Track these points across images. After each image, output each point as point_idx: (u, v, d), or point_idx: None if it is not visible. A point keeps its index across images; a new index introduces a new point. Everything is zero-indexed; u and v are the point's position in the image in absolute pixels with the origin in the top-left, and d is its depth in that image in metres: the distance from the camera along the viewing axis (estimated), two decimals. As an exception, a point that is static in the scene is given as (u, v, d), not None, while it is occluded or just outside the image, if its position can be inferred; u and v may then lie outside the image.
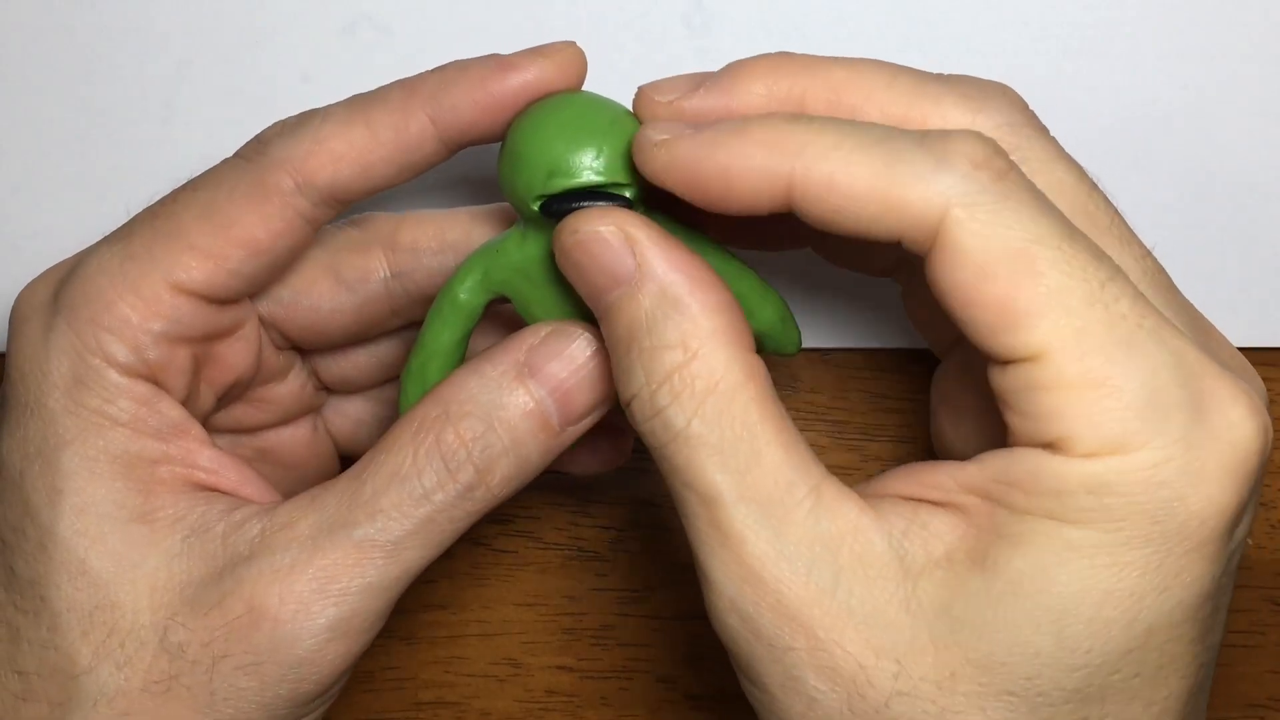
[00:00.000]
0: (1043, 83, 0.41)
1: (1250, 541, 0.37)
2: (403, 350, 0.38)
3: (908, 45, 0.41)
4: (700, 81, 0.32)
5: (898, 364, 0.42)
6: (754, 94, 0.31)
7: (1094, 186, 0.31)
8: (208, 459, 0.33)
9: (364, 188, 0.33)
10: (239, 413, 0.37)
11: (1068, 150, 0.32)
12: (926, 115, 0.31)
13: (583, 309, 0.32)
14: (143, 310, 0.32)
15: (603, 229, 0.30)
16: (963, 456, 0.30)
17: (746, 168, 0.29)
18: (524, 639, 0.42)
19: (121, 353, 0.32)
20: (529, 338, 0.32)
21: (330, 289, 0.35)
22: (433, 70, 0.33)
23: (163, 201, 0.33)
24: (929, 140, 0.29)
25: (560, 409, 0.32)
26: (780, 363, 0.41)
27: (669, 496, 0.30)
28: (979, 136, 0.29)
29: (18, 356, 0.32)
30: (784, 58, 0.32)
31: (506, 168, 0.32)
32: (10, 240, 0.41)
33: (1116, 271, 0.29)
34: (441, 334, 0.34)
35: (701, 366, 0.29)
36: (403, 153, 0.32)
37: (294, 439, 0.38)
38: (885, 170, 0.28)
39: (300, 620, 0.30)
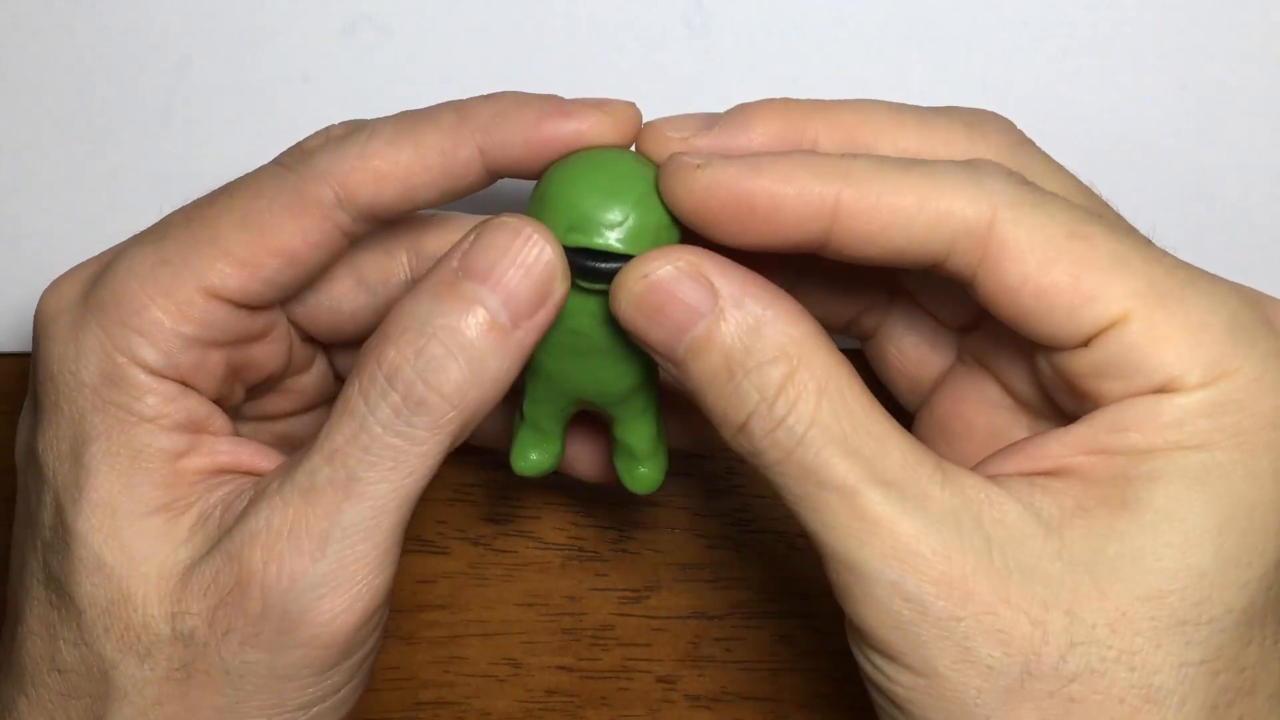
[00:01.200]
0: (1043, 82, 0.41)
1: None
2: None
3: (908, 45, 0.41)
4: (710, 122, 0.32)
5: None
6: (769, 134, 0.31)
7: (1094, 193, 0.32)
8: (228, 445, 0.33)
9: (405, 207, 0.33)
10: (266, 402, 0.37)
11: (1067, 151, 0.32)
12: (935, 147, 0.31)
13: (579, 345, 0.32)
14: (175, 314, 0.32)
15: (680, 264, 0.30)
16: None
17: (794, 191, 0.30)
18: (524, 639, 0.42)
19: (152, 356, 0.32)
20: (461, 244, 0.31)
21: (351, 290, 0.35)
22: (487, 98, 0.32)
23: (198, 204, 0.33)
24: (960, 161, 0.30)
25: (506, 303, 0.30)
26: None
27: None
28: (996, 162, 0.30)
29: (47, 357, 0.32)
30: (791, 101, 0.32)
31: (533, 209, 0.32)
32: (10, 240, 0.41)
33: (1146, 236, 0.31)
34: None
35: (809, 369, 0.30)
36: (448, 178, 0.32)
37: (313, 423, 0.38)
38: (930, 185, 0.29)
39: (284, 580, 0.30)
